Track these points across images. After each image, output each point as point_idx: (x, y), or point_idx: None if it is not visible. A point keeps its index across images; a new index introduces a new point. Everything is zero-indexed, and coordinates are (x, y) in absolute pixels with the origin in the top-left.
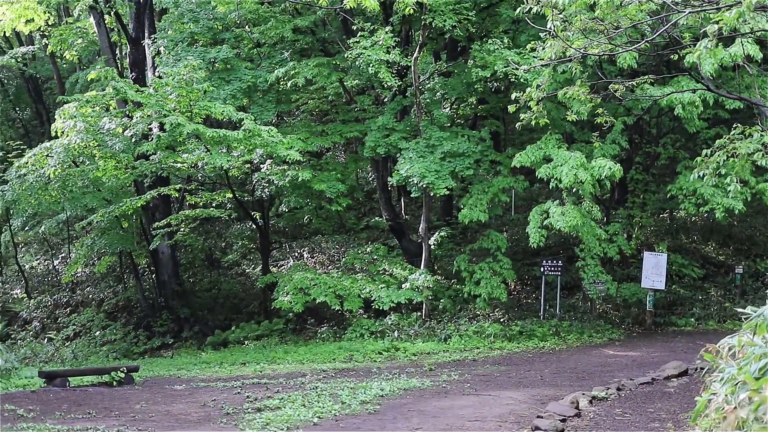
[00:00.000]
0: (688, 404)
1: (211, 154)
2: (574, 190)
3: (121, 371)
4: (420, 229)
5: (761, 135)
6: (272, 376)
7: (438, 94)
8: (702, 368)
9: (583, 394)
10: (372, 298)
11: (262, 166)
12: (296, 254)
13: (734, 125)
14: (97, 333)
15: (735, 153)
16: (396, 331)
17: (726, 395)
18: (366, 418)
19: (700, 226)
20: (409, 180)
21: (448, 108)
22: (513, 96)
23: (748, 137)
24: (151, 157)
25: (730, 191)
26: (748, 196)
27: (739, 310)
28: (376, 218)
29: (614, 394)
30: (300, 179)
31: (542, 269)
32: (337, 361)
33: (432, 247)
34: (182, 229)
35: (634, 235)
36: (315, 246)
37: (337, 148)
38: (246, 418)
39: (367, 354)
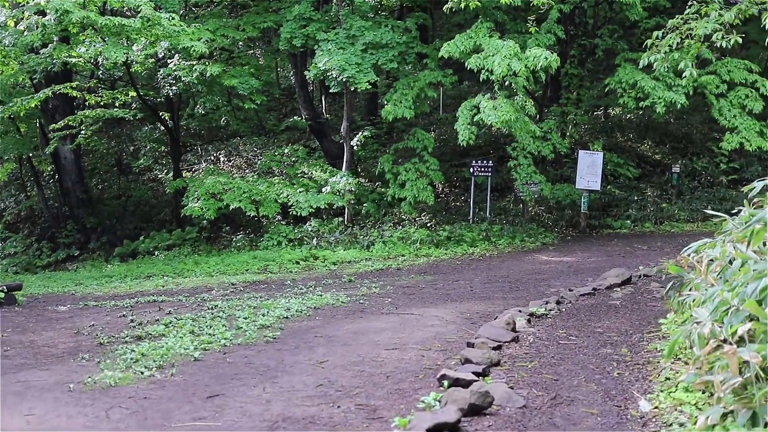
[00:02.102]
0: (639, 321)
1: (107, 46)
2: (506, 83)
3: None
4: (341, 129)
5: (719, 14)
6: (174, 291)
7: None
8: (645, 275)
9: (520, 311)
10: (290, 203)
11: (169, 61)
12: (212, 158)
13: (690, 3)
14: None
15: (690, 34)
16: (315, 239)
17: (712, 325)
18: (261, 349)
19: (636, 123)
20: (328, 74)
21: None
22: None
23: (704, 17)
24: (41, 51)
25: (684, 76)
26: (690, 90)
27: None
28: (295, 118)
29: (554, 310)
30: (209, 74)
31: (471, 170)
32: (249, 273)
33: (355, 148)
34: (83, 132)
35: (568, 134)
36: (232, 149)
37: (254, 43)
38: (117, 351)
39: (283, 264)
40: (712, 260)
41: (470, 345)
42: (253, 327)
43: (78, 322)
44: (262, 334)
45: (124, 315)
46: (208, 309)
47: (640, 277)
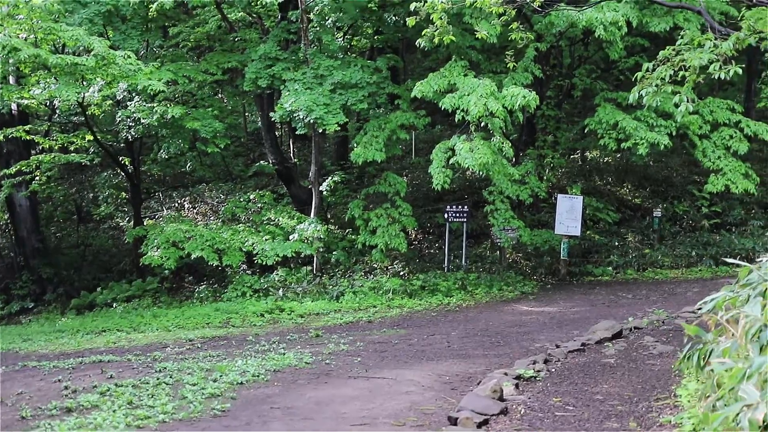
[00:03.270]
0: (642, 384)
1: (60, 86)
2: (482, 124)
3: None
4: (310, 174)
5: (714, 44)
6: (125, 349)
7: (329, 21)
8: (636, 327)
9: (506, 373)
10: (255, 252)
11: (129, 104)
12: (176, 205)
13: (681, 34)
14: None
15: (684, 66)
16: (282, 289)
17: None
18: (205, 427)
19: (614, 166)
20: (295, 115)
21: (341, 38)
22: (413, 6)
23: (699, 47)
24: None
25: (680, 111)
26: (673, 130)
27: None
28: (261, 162)
29: (543, 371)
30: (170, 116)
31: (446, 215)
32: (210, 327)
33: (324, 193)
34: (38, 178)
35: (545, 177)
36: (197, 195)
37: (219, 85)
38: (41, 426)
39: (246, 317)
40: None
41: (452, 421)
42: (201, 396)
43: (7, 388)
44: (209, 405)
45: (59, 380)
46: (156, 372)
47: (631, 330)
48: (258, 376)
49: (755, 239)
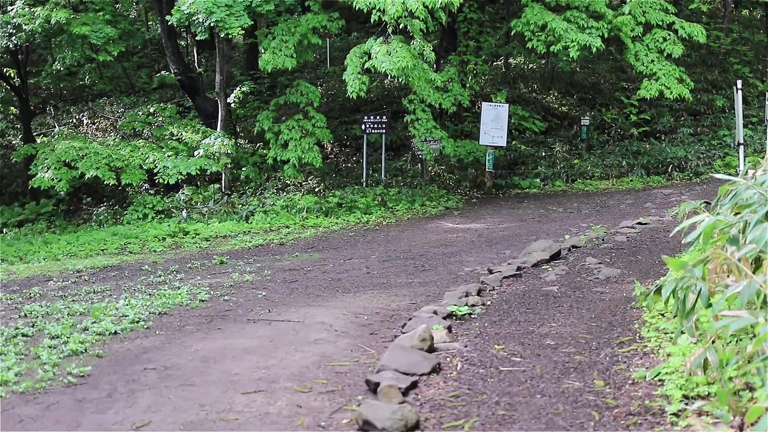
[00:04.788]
0: (596, 320)
1: None
2: (401, 26)
3: None
4: (216, 84)
5: None
6: (2, 284)
7: None
8: (574, 246)
9: (435, 312)
10: (156, 170)
11: (10, 8)
12: (74, 121)
13: None
14: None
15: None
16: (186, 210)
17: None
18: (53, 402)
19: (540, 73)
20: (194, 18)
21: None
22: None
23: None
24: None
25: None
26: (605, 32)
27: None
28: (163, 73)
29: (478, 305)
30: (54, 22)
31: (363, 127)
32: (105, 254)
33: (232, 105)
34: None
35: (468, 85)
36: (98, 110)
37: None
38: None
39: (146, 242)
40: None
41: (371, 386)
42: (58, 356)
43: None
44: (65, 369)
45: None
46: (19, 317)
47: (569, 249)
48: (138, 322)
49: (686, 147)
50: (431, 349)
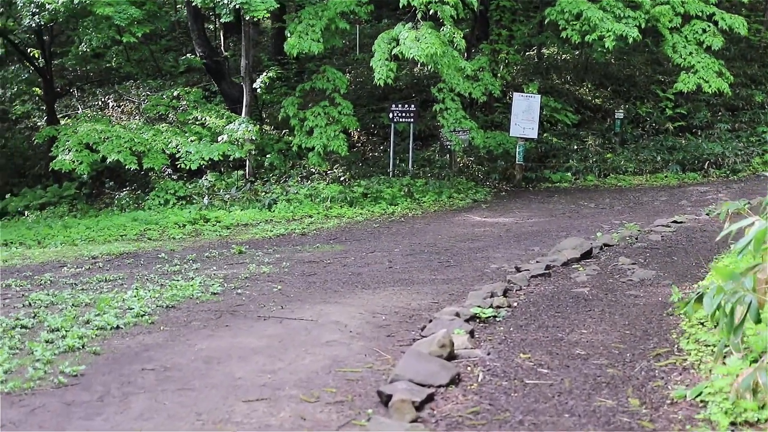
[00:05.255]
0: (629, 328)
1: None
2: (431, 12)
3: None
4: (241, 68)
5: None
6: (14, 269)
7: None
8: (606, 245)
9: (457, 314)
10: (179, 155)
11: None
12: (99, 103)
13: None
14: None
15: None
16: (207, 197)
17: None
18: (39, 405)
19: (573, 64)
20: (218, 1)
21: None
22: None
23: None
24: None
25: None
26: (642, 22)
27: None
28: (188, 56)
29: (503, 307)
30: (78, 0)
31: (391, 115)
32: (124, 240)
33: (258, 90)
34: None
35: (500, 74)
36: (123, 93)
37: None
38: None
39: (166, 228)
40: None
41: (383, 399)
42: (52, 352)
43: None
44: (58, 367)
45: None
46: (23, 306)
47: (601, 248)
48: (143, 315)
49: (723, 143)
50: (451, 357)
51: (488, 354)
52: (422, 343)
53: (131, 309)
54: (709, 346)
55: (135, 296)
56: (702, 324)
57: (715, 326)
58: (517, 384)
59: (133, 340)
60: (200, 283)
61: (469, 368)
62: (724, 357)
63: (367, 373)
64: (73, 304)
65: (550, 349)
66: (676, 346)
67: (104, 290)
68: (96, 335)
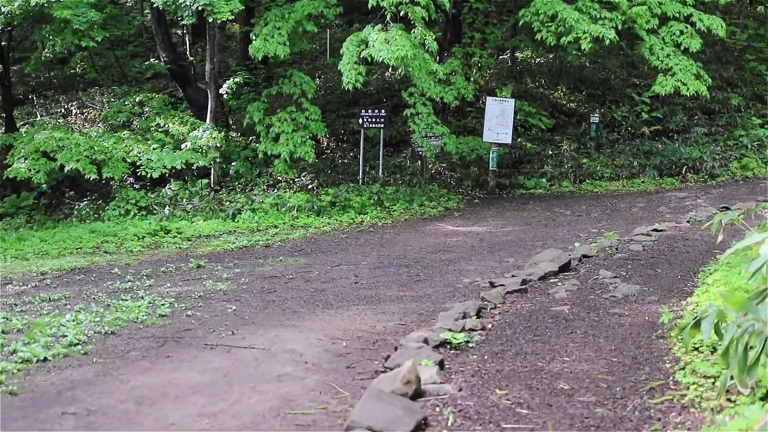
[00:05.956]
0: (617, 354)
1: None
2: (401, 13)
3: None
4: (206, 73)
5: None
6: None
7: None
8: (586, 256)
9: (425, 340)
10: (140, 163)
11: None
12: (62, 110)
13: None
14: None
15: None
16: (168, 207)
17: None
18: None
19: (547, 68)
20: (181, 2)
21: None
22: None
23: None
24: None
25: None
26: (619, 24)
27: None
28: (152, 61)
29: (477, 330)
30: (35, 3)
31: (361, 121)
32: (79, 254)
33: (225, 96)
34: None
35: (472, 78)
36: (87, 100)
37: None
38: None
39: (125, 240)
40: None
41: None
42: None
43: None
44: None
45: None
46: None
47: (580, 260)
48: (76, 345)
49: (700, 147)
50: (417, 394)
51: (460, 390)
52: (384, 379)
53: (65, 336)
54: (709, 377)
55: (73, 320)
56: (697, 350)
57: (713, 352)
58: (493, 429)
59: (59, 376)
60: (149, 303)
61: (438, 409)
62: (727, 391)
63: (320, 416)
64: (2, 331)
65: (529, 383)
66: (671, 378)
67: (44, 312)
68: (18, 370)
